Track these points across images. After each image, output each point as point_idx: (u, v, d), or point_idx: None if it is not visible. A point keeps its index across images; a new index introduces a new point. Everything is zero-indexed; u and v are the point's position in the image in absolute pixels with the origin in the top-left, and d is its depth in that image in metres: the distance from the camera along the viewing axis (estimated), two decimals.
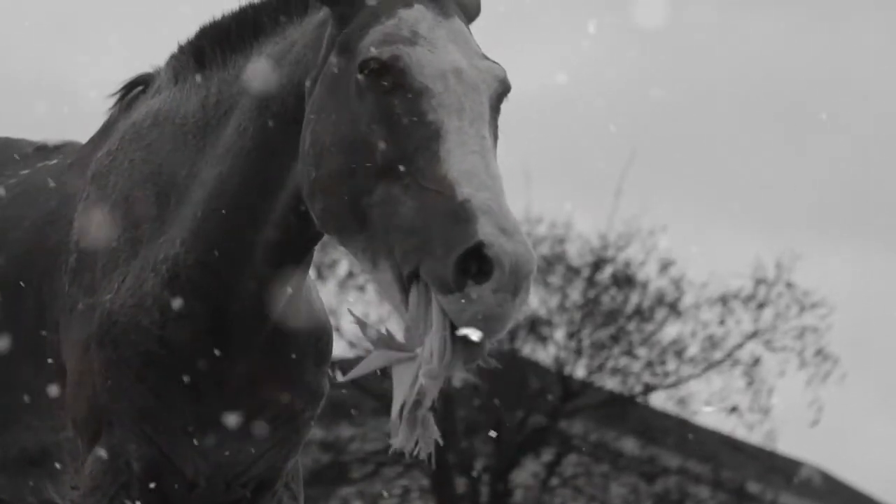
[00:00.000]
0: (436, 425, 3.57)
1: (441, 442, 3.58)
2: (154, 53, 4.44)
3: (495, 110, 3.73)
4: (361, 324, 3.64)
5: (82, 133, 4.71)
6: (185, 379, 4.04)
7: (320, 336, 4.30)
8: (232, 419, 4.11)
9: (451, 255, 3.39)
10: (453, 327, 3.44)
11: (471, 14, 3.97)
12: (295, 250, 4.05)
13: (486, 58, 3.77)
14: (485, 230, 3.39)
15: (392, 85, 3.63)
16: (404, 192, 3.54)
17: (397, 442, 3.56)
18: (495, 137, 3.71)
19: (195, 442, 4.11)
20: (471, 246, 3.38)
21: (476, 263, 3.38)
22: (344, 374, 3.64)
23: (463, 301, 3.39)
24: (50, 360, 4.19)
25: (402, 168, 3.55)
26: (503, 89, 3.75)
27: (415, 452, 3.58)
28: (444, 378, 3.46)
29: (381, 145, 3.59)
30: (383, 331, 3.60)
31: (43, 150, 4.71)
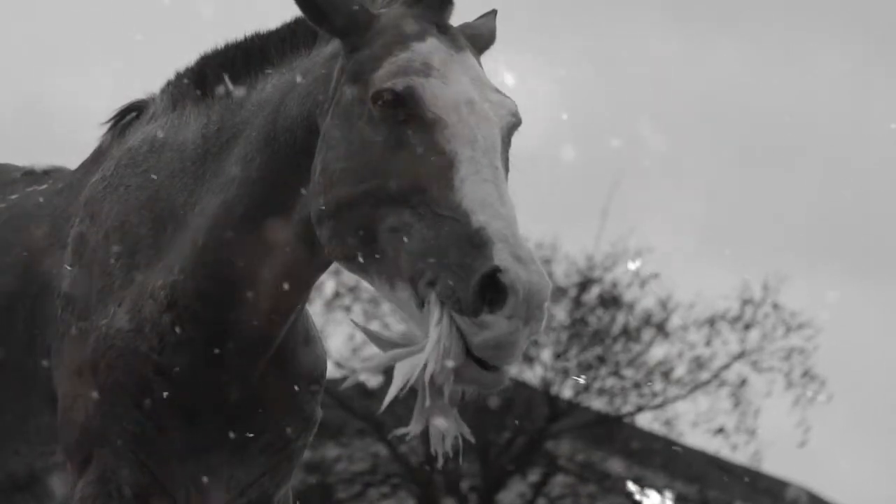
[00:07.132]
0: (462, 421, 3.58)
1: (472, 439, 3.59)
2: (140, 82, 4.40)
3: (506, 142, 3.74)
4: (367, 332, 3.64)
5: (61, 159, 4.71)
6: (181, 405, 4.02)
7: (316, 364, 4.28)
8: (226, 446, 4.09)
9: (472, 277, 3.40)
10: (465, 341, 3.44)
11: (484, 43, 4.00)
12: (299, 280, 4.03)
13: (499, 91, 3.78)
14: (501, 256, 3.41)
15: (406, 116, 3.64)
16: (418, 220, 3.54)
17: (412, 427, 3.55)
18: (507, 168, 3.72)
19: (188, 468, 4.09)
20: (488, 270, 3.39)
21: (492, 291, 3.39)
22: (333, 396, 3.65)
23: (476, 326, 3.41)
24: (40, 385, 4.17)
25: (415, 197, 3.55)
26: (515, 122, 3.77)
27: (440, 447, 3.60)
28: (449, 365, 3.44)
29: (394, 174, 3.60)
30: (390, 335, 3.60)
31: (31, 176, 4.68)
